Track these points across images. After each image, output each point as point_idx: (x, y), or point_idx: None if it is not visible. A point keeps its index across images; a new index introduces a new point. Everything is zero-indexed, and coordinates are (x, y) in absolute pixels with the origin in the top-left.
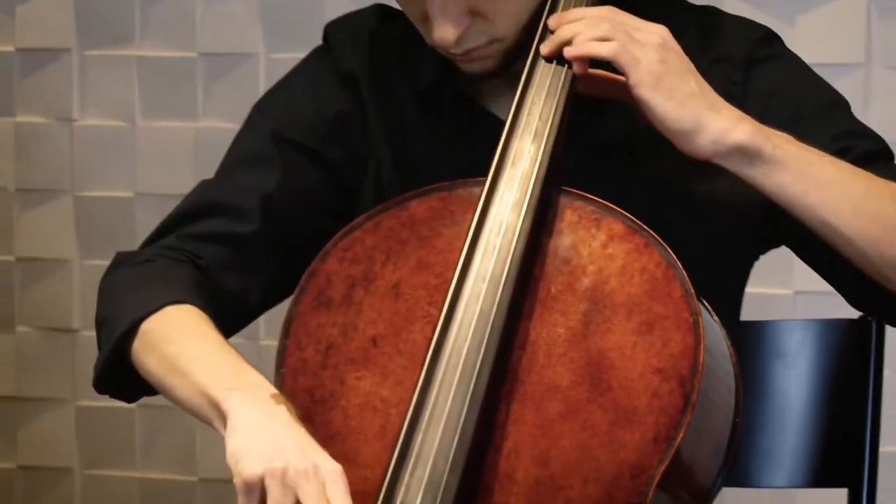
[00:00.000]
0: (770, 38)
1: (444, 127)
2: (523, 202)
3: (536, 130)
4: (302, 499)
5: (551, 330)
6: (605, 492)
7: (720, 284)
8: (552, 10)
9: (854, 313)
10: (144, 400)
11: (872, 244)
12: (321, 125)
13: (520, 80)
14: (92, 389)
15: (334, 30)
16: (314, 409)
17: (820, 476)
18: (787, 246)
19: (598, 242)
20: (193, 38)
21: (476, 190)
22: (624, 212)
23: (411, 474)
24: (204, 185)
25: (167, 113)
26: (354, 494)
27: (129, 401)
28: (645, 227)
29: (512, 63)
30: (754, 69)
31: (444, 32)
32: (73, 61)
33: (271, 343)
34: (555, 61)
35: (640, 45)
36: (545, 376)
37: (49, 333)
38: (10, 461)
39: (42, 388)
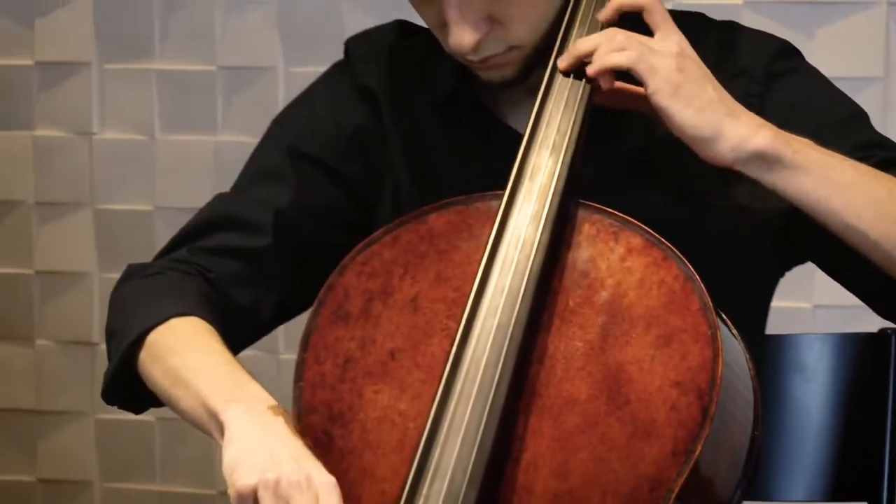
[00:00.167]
0: (789, 52)
1: (461, 137)
2: (541, 215)
3: (554, 144)
4: None
5: (569, 343)
6: None
7: (743, 296)
8: (571, 19)
9: (873, 327)
10: (164, 413)
11: None
12: (339, 140)
13: (538, 91)
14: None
15: (354, 45)
16: (332, 423)
17: (839, 489)
18: (811, 259)
19: (616, 255)
20: (213, 51)
21: (494, 203)
22: (642, 225)
23: (430, 488)
24: (219, 199)
25: (186, 126)
26: None
27: (136, 412)
28: (663, 240)
29: (531, 71)
30: (773, 83)
31: (462, 38)
32: (93, 75)
33: (290, 357)
34: (572, 74)
35: (658, 54)
36: (563, 389)
37: (68, 347)
38: (29, 474)
39: (62, 402)
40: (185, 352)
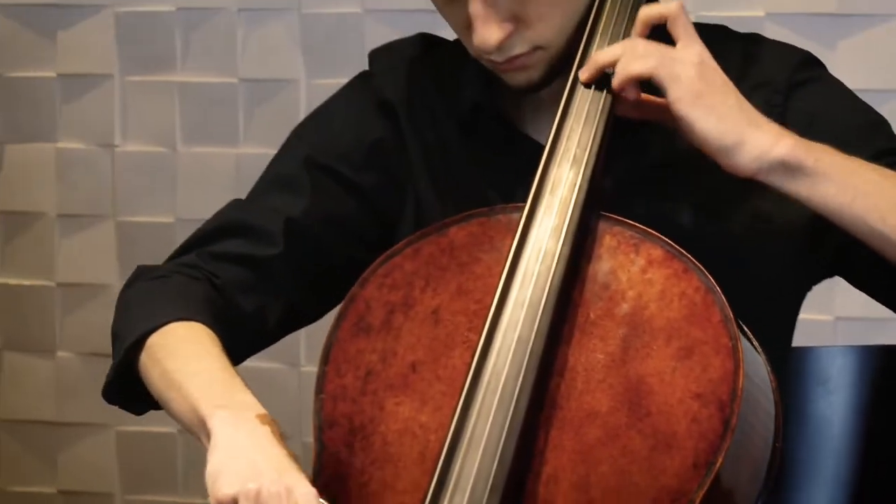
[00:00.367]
0: (810, 63)
1: (483, 150)
2: (562, 228)
3: (575, 157)
4: None
5: (590, 355)
6: None
7: (768, 308)
8: (593, 30)
9: (895, 339)
10: None
11: None
12: (357, 152)
13: (558, 104)
14: (133, 414)
15: (377, 57)
16: (353, 436)
17: (860, 502)
18: (837, 271)
19: (637, 267)
20: (235, 63)
21: (515, 216)
22: (663, 237)
23: (450, 500)
24: (233, 205)
25: (208, 138)
26: None
27: (136, 413)
28: (684, 251)
29: (555, 76)
30: (794, 92)
31: (487, 35)
32: (115, 87)
33: (312, 369)
34: (594, 86)
35: (680, 62)
36: (584, 402)
37: (90, 359)
38: (50, 486)
39: (83, 413)
40: (182, 356)
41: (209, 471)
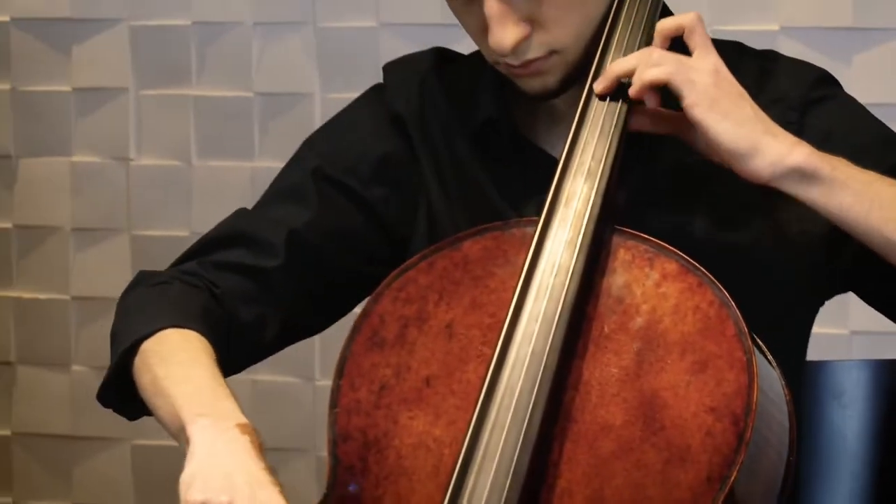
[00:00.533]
0: (825, 80)
1: (496, 163)
2: (577, 242)
3: (590, 170)
4: None
5: (604, 369)
6: None
7: (782, 321)
8: (607, 42)
9: None
10: None
11: None
12: (367, 165)
13: (573, 117)
14: (149, 428)
15: (390, 70)
16: (367, 449)
17: None
18: (851, 286)
19: (651, 281)
20: (250, 77)
21: (529, 230)
22: (677, 251)
23: None
24: (238, 214)
25: (223, 152)
26: None
27: (130, 418)
28: (698, 265)
29: (571, 83)
30: (810, 109)
31: (503, 37)
32: (130, 101)
33: (326, 383)
34: (609, 99)
35: (695, 69)
36: (598, 416)
37: (104, 373)
38: (65, 500)
39: (98, 427)
40: (172, 363)
41: (183, 478)
